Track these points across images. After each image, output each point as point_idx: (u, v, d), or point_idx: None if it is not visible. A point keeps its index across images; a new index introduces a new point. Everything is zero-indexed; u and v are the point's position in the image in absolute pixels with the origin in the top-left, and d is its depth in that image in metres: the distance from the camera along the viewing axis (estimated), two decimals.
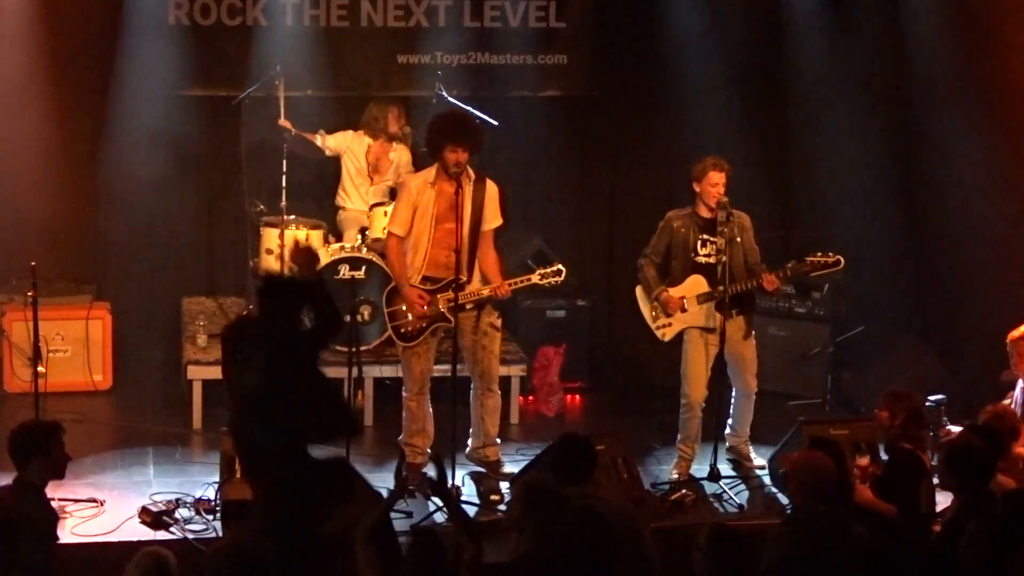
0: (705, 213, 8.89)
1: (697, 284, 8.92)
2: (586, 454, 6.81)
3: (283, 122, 10.32)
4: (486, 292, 8.79)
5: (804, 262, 8.95)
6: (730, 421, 9.19)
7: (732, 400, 9.16)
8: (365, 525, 6.39)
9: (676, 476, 8.96)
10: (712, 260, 8.85)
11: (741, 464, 9.17)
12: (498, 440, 9.02)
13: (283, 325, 7.14)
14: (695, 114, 11.13)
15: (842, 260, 8.91)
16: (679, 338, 9.03)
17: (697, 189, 8.88)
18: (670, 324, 9.01)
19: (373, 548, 6.23)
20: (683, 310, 8.95)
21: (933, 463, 7.80)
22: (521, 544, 6.15)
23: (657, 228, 9.09)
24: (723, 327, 8.85)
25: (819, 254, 8.95)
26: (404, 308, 8.72)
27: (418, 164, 10.12)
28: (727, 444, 9.21)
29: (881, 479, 7.64)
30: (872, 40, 11.20)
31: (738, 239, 8.87)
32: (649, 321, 9.11)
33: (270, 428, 6.97)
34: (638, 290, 9.15)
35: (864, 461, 8.07)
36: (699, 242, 8.91)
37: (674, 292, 8.95)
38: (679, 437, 9.03)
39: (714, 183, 8.81)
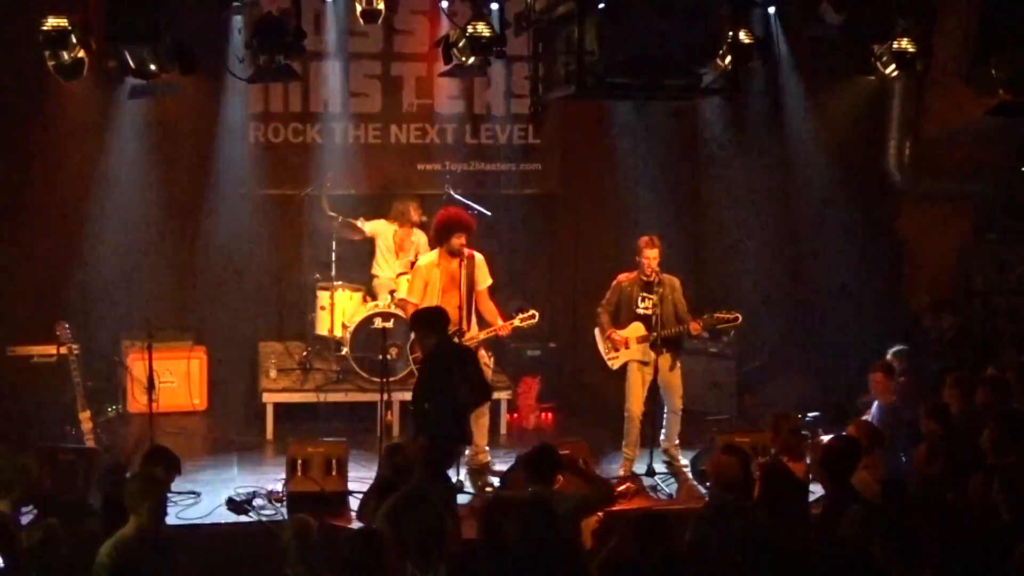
0: (645, 277, 8.86)
1: (636, 329, 8.89)
2: (551, 460, 6.65)
3: (332, 213, 10.34)
4: (482, 335, 8.79)
5: (713, 317, 8.95)
6: (663, 431, 9.11)
7: (664, 416, 9.10)
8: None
9: (622, 473, 8.90)
10: (649, 312, 8.82)
11: (671, 464, 9.09)
12: (487, 448, 8.95)
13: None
14: (634, 203, 11.10)
15: (740, 317, 8.91)
16: (625, 367, 8.97)
17: (639, 259, 8.88)
18: (617, 357, 8.99)
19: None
20: (626, 347, 8.94)
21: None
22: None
23: (610, 286, 9.06)
24: (656, 362, 8.83)
25: (724, 311, 8.95)
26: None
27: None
28: (661, 448, 9.13)
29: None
30: (762, 152, 11.26)
31: (669, 297, 8.87)
32: (603, 354, 9.08)
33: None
34: (596, 331, 9.12)
35: (761, 462, 8.05)
36: (640, 298, 8.87)
37: (620, 334, 8.97)
38: (624, 443, 8.98)
39: (647, 257, 8.81)
